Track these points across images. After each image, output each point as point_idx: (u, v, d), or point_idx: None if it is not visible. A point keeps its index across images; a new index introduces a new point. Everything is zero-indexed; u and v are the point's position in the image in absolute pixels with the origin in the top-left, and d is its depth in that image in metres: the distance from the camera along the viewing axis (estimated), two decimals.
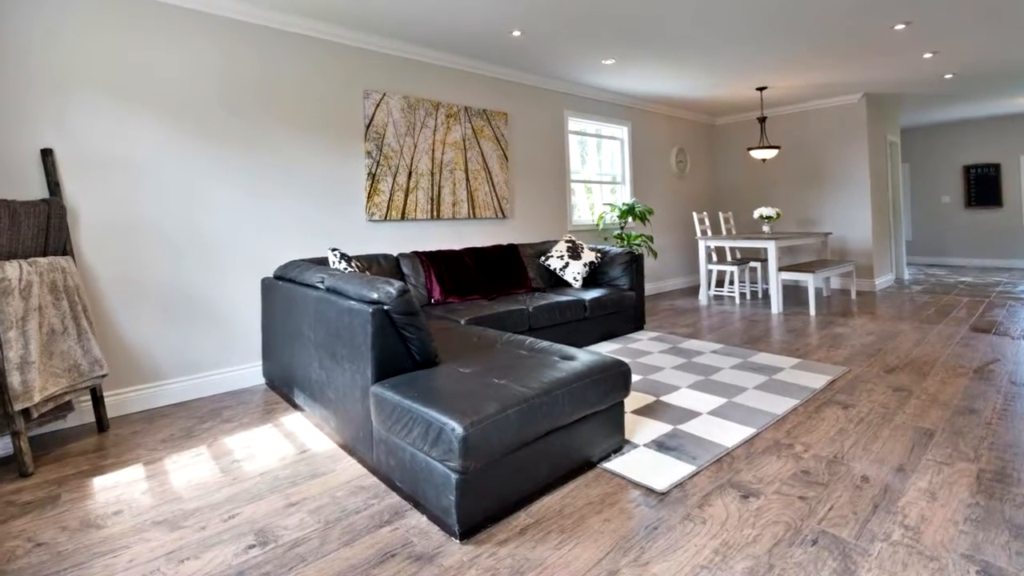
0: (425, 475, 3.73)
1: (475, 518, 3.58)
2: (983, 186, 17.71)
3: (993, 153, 17.56)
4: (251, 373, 7.15)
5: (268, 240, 7.32)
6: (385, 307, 4.32)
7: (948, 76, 11.57)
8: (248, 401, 6.45)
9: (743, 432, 4.92)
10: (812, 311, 10.34)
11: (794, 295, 12.74)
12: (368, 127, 8.15)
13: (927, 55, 9.92)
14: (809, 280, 10.42)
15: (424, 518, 3.78)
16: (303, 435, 5.33)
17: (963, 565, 3.06)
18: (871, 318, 9.83)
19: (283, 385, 6.30)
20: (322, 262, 7.00)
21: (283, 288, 6.09)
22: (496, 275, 8.61)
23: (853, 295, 11.98)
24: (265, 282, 6.74)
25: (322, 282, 5.32)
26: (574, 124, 11.86)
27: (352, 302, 4.58)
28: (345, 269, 6.21)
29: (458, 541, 3.50)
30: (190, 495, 4.22)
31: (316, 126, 7.69)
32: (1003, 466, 4.20)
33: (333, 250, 6.48)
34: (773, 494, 3.87)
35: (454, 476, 3.49)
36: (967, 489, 3.89)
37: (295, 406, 6.13)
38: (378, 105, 8.25)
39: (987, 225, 17.77)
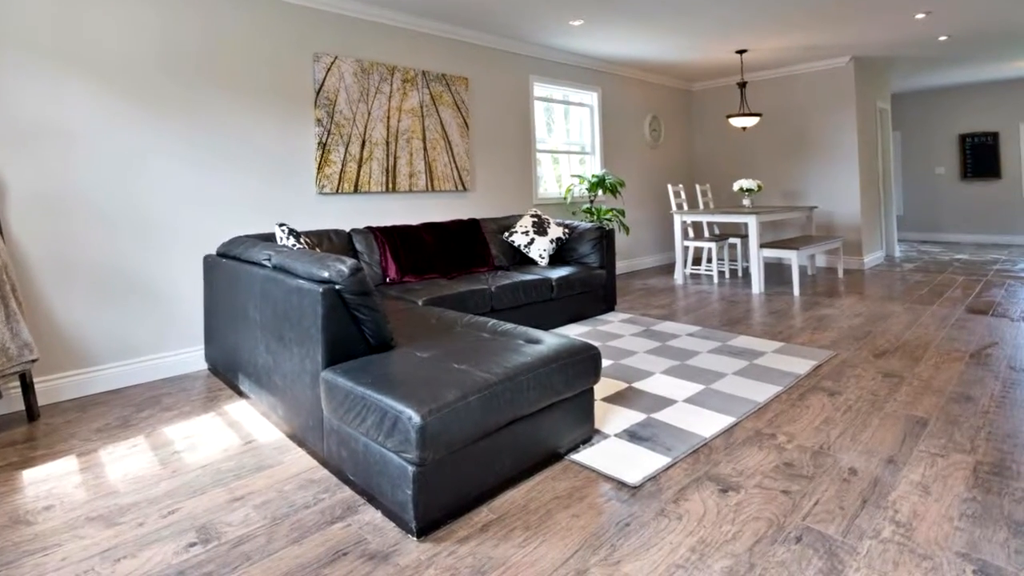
0: (380, 467, 3.72)
1: (434, 514, 3.56)
2: (980, 156, 17.75)
3: (991, 121, 17.61)
4: (193, 358, 7.12)
5: (211, 215, 7.27)
6: (336, 286, 4.28)
7: (943, 38, 11.62)
8: (189, 388, 6.43)
9: (722, 421, 4.94)
10: (796, 291, 10.36)
11: (777, 274, 12.80)
12: (318, 93, 8.15)
13: (920, 15, 9.96)
14: (793, 257, 10.40)
15: (379, 514, 3.77)
16: (248, 424, 5.32)
17: (958, 564, 3.04)
18: (859, 298, 9.87)
19: (227, 371, 6.28)
20: (269, 238, 6.98)
21: (227, 266, 6.06)
22: (456, 252, 8.58)
23: (840, 274, 12.07)
24: (207, 260, 6.70)
25: (268, 260, 5.25)
26: (540, 90, 11.84)
27: (301, 281, 4.53)
28: (294, 246, 6.20)
29: (415, 538, 3.48)
30: (127, 489, 4.20)
31: (262, 92, 7.65)
32: (1001, 458, 4.19)
33: (281, 225, 6.46)
34: (754, 488, 3.88)
35: (411, 468, 3.46)
36: (963, 483, 3.86)
37: (240, 393, 6.10)
38: (329, 69, 8.21)
39: (984, 198, 17.87)
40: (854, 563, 3.08)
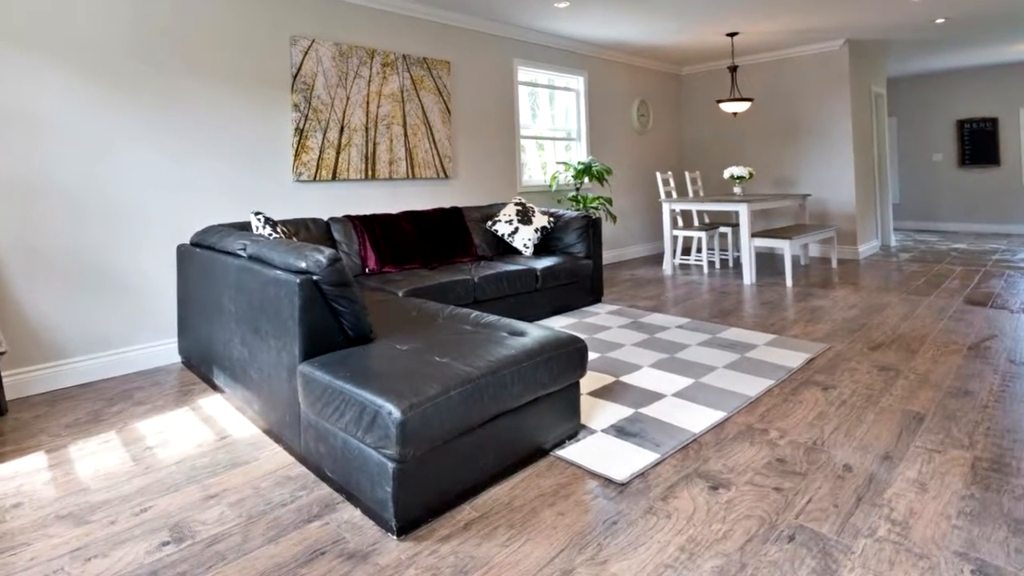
0: (359, 464, 3.71)
1: (414, 512, 3.56)
2: (979, 143, 17.77)
3: (990, 106, 17.65)
4: (166, 351, 7.10)
5: (185, 203, 7.24)
6: (314, 277, 4.26)
7: (940, 20, 11.61)
8: (162, 382, 6.42)
9: (712, 416, 4.94)
10: (789, 282, 10.38)
11: (769, 264, 12.79)
12: (295, 77, 8.15)
13: None
14: (785, 247, 10.43)
15: (358, 512, 3.78)
16: (223, 419, 5.31)
17: (956, 563, 3.04)
18: (854, 289, 9.88)
19: (201, 364, 6.28)
20: (245, 227, 6.92)
21: (201, 256, 6.05)
22: (438, 242, 8.57)
23: (834, 264, 12.13)
24: (181, 250, 6.67)
25: (244, 249, 5.20)
26: (524, 74, 11.83)
27: (278, 271, 4.49)
28: (270, 235, 6.19)
29: (395, 537, 3.49)
30: (98, 486, 4.19)
31: (238, 77, 7.65)
32: (1001, 454, 4.19)
33: (257, 214, 6.46)
34: (745, 485, 3.89)
35: (391, 465, 3.46)
36: (961, 479, 3.87)
37: (214, 387, 6.08)
38: (306, 53, 8.19)
39: (983, 186, 17.90)
40: (848, 563, 3.08)
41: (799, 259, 12.96)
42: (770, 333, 7.36)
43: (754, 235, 10.89)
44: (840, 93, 13.25)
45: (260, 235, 5.34)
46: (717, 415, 4.95)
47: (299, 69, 8.14)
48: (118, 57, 6.71)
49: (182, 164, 7.19)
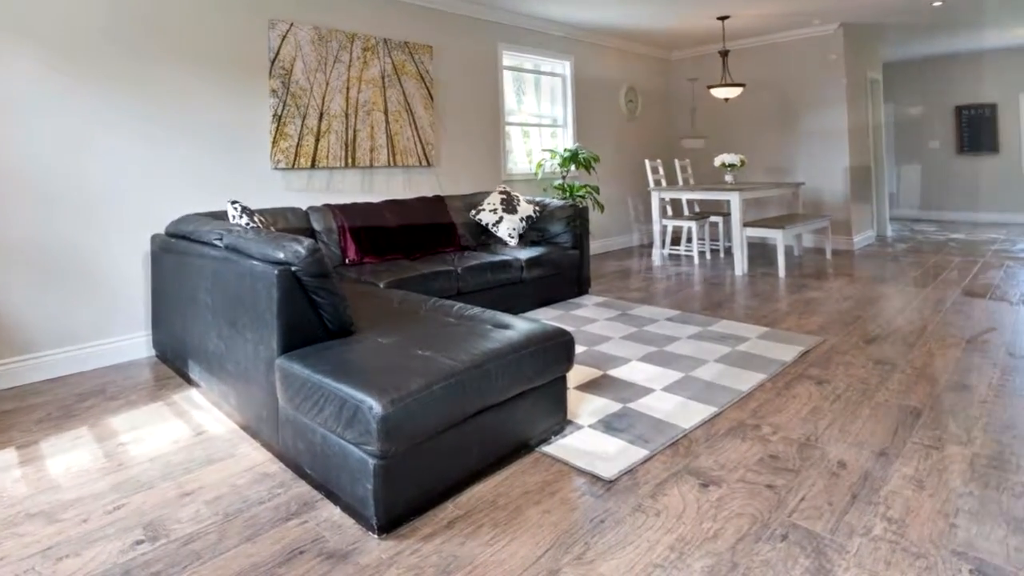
0: (339, 461, 3.69)
1: (396, 509, 3.53)
2: (977, 129, 17.72)
3: (989, 92, 17.56)
4: (139, 344, 7.07)
5: (160, 192, 7.21)
6: (293, 268, 4.22)
7: (937, 3, 11.59)
8: (136, 376, 6.39)
9: (703, 411, 4.93)
10: (782, 272, 10.39)
11: (761, 254, 12.80)
12: (273, 62, 8.12)
13: None
14: (778, 237, 10.43)
15: (338, 510, 3.76)
16: (199, 415, 5.30)
17: (954, 563, 3.03)
18: (849, 281, 9.89)
19: (176, 358, 6.28)
20: (221, 217, 6.80)
21: (176, 247, 6.04)
22: (420, 231, 8.55)
23: (828, 254, 12.15)
24: (155, 240, 6.66)
25: (220, 240, 5.16)
26: (509, 59, 11.80)
27: (255, 262, 4.46)
28: (247, 224, 6.15)
29: (376, 536, 3.47)
30: (69, 483, 4.17)
31: (215, 61, 7.67)
32: (1000, 450, 4.19)
33: (233, 203, 6.41)
34: (737, 482, 3.88)
35: (372, 461, 3.43)
36: (959, 477, 3.87)
37: (190, 382, 6.07)
38: (285, 37, 8.16)
39: (982, 174, 17.80)
40: (843, 562, 3.07)
41: (792, 249, 12.87)
42: (762, 326, 7.34)
43: (746, 224, 10.91)
44: (835, 79, 13.24)
45: (237, 225, 5.30)
46: (708, 410, 4.94)
47: (277, 53, 8.12)
48: (90, 40, 6.65)
49: (157, 152, 7.15)
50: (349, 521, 3.63)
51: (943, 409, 4.89)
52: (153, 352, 7.11)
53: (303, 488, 4.02)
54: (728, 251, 13.23)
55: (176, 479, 4.20)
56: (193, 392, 5.85)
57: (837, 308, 8.13)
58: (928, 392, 5.25)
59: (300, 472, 4.17)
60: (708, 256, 12.48)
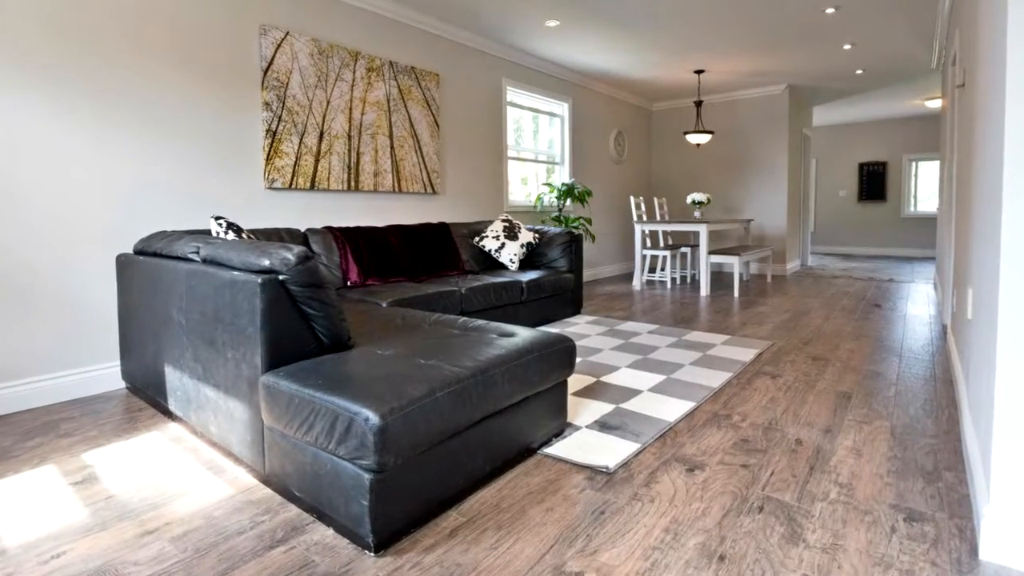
0: (331, 479, 2.98)
1: (395, 524, 2.90)
2: (873, 182, 19.57)
3: (882, 152, 19.34)
4: (108, 375, 5.47)
5: (133, 209, 5.61)
6: (280, 276, 3.36)
7: (859, 72, 12.16)
8: (100, 410, 4.96)
9: (683, 406, 4.82)
10: (736, 293, 10.57)
11: (718, 280, 13.00)
12: (266, 72, 6.62)
13: (847, 46, 10.27)
14: (735, 263, 10.68)
15: (330, 531, 3.04)
16: (173, 445, 4.18)
17: (892, 515, 3.13)
18: (786, 298, 10.18)
19: (148, 387, 4.89)
20: (204, 234, 5.31)
21: (145, 264, 4.73)
22: (425, 256, 7.80)
23: (769, 278, 12.46)
24: (121, 259, 5.14)
25: (197, 252, 4.11)
26: (513, 95, 11.15)
27: (236, 273, 3.53)
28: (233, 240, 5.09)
29: (372, 554, 2.82)
30: None
31: (198, 66, 6.05)
32: (909, 420, 4.47)
33: (218, 219, 5.01)
34: (717, 464, 3.76)
35: (367, 476, 2.77)
36: (885, 443, 4.06)
37: (165, 412, 4.80)
38: (279, 46, 6.75)
39: (874, 217, 19.73)
40: (810, 525, 3.01)
41: (743, 275, 13.04)
42: (725, 334, 7.34)
43: (710, 252, 11.06)
44: (780, 132, 13.50)
45: (219, 238, 4.16)
46: (688, 405, 4.82)
47: (270, 63, 6.66)
48: (54, 42, 5.02)
49: (129, 165, 5.52)
50: (343, 542, 2.93)
51: (867, 392, 5.15)
52: (124, 384, 5.56)
53: (291, 513, 3.22)
54: (694, 278, 13.15)
55: (136, 517, 3.18)
56: (167, 422, 4.62)
57: (780, 319, 8.27)
58: (854, 380, 5.50)
59: (289, 496, 3.36)
60: (679, 281, 12.46)
